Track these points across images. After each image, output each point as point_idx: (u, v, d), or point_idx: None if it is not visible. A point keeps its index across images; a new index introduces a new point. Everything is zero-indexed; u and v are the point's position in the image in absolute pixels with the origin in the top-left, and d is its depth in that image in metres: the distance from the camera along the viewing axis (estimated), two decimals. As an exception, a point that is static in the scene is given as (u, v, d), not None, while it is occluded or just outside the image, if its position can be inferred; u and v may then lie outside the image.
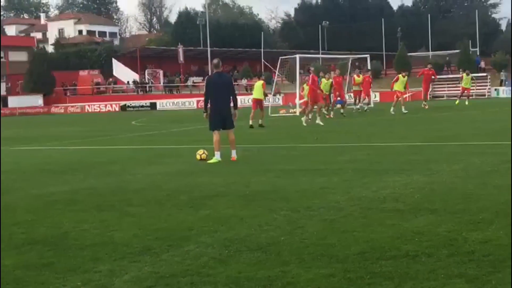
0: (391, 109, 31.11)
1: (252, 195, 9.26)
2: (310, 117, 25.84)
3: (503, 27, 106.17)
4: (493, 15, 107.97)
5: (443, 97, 56.36)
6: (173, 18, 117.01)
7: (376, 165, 12.10)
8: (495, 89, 57.50)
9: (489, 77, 58.86)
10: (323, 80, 29.26)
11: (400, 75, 32.22)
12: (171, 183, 10.95)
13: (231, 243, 6.46)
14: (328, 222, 7.24)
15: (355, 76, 35.51)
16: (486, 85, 57.48)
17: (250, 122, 25.12)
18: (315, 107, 26.07)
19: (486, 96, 55.64)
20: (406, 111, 30.33)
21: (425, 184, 9.52)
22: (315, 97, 25.75)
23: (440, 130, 20.32)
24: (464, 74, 39.32)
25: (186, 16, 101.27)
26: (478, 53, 77.51)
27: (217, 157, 13.77)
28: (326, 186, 9.77)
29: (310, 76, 26.45)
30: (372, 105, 40.16)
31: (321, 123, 24.64)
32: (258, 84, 27.22)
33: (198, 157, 14.06)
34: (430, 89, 45.42)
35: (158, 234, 7.01)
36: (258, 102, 26.38)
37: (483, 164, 11.45)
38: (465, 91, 39.41)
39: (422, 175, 10.41)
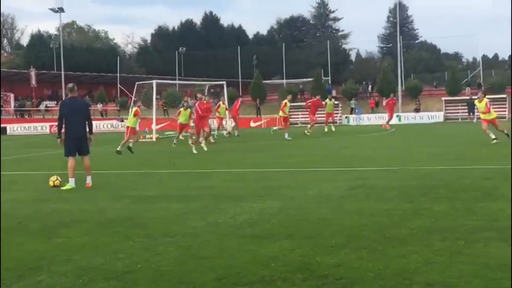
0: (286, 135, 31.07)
1: (108, 222, 9.08)
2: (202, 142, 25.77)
3: (353, 57, 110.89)
4: (344, 46, 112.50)
5: (297, 124, 57.86)
6: (25, 41, 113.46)
7: (233, 190, 12.22)
8: (346, 117, 59.76)
9: (340, 105, 61.11)
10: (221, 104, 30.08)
11: (286, 101, 32.78)
12: (22, 210, 10.55)
13: (85, 272, 6.29)
14: (185, 249, 7.22)
15: (221, 103, 36.19)
16: (338, 113, 59.62)
17: (130, 145, 24.65)
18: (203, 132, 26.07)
19: (338, 124, 57.69)
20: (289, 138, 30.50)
21: (281, 210, 9.71)
22: (202, 123, 25.77)
23: (293, 156, 20.83)
24: (327, 99, 40.03)
25: (39, 39, 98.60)
26: (329, 82, 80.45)
27: (71, 183, 13.43)
28: (183, 212, 9.75)
29: (197, 104, 26.26)
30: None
31: (205, 148, 24.62)
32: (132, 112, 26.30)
33: (51, 183, 13.65)
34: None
35: (9, 264, 6.72)
36: (131, 130, 25.65)
37: (335, 189, 11.83)
38: (330, 117, 40.26)
39: (278, 201, 10.61)
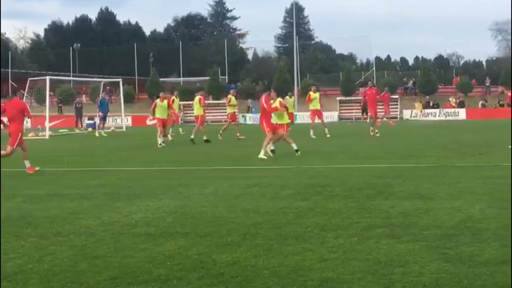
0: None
1: (-3, 222, 8.76)
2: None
3: (250, 57, 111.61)
4: (241, 45, 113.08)
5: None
6: None
7: (128, 189, 12.05)
8: (243, 116, 60.09)
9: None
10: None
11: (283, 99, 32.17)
12: None
13: (-28, 274, 6.04)
14: (78, 248, 7.06)
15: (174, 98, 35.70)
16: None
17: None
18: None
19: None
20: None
21: (177, 208, 9.65)
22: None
23: (191, 154, 20.76)
24: (287, 97, 38.61)
25: None
26: (227, 81, 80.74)
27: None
28: (76, 211, 9.53)
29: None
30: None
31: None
32: None
33: None
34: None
35: None
36: None
37: (231, 188, 11.87)
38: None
39: (174, 199, 10.54)
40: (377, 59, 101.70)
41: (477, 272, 5.65)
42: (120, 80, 45.81)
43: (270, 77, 78.89)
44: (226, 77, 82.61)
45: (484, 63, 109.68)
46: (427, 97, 64.70)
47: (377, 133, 28.25)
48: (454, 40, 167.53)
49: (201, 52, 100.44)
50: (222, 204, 9.94)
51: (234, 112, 30.17)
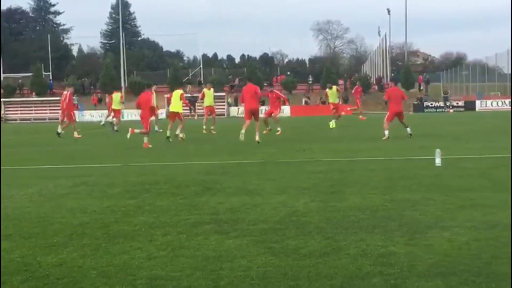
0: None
1: None
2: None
3: (75, 53, 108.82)
4: (65, 40, 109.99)
5: (16, 120, 55.41)
6: None
7: None
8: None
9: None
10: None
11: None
12: None
13: None
14: None
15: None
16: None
17: None
18: None
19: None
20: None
21: (-2, 210, 9.22)
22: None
23: (14, 154, 19.93)
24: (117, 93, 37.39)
25: None
26: (51, 77, 78.20)
27: None
28: None
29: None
30: None
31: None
32: None
33: None
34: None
35: None
36: None
37: (56, 187, 11.51)
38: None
39: (-5, 200, 10.06)
40: (204, 56, 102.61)
41: (301, 264, 5.85)
42: None
43: (97, 73, 77.36)
44: (50, 73, 79.99)
45: (307, 61, 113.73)
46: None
47: (212, 130, 28.71)
48: (278, 39, 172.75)
49: (23, 48, 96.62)
50: (47, 204, 9.62)
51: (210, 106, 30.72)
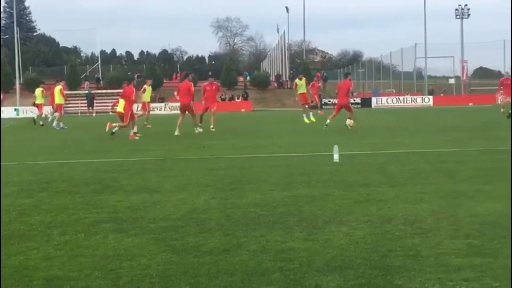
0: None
1: None
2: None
3: None
4: None
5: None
6: None
7: None
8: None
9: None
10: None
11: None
12: None
13: None
14: None
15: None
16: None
17: None
18: None
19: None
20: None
21: None
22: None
23: None
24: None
25: None
26: None
27: None
28: None
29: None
30: None
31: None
32: None
33: None
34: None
35: None
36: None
37: None
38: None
39: None
40: (103, 52, 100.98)
41: (202, 261, 5.85)
42: None
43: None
44: None
45: (206, 58, 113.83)
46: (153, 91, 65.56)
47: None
48: (178, 36, 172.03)
49: None
50: None
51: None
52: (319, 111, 40.16)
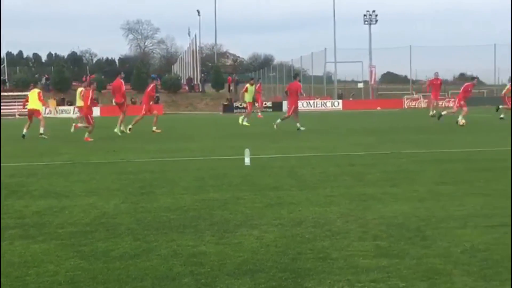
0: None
1: None
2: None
3: None
4: None
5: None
6: None
7: None
8: None
9: None
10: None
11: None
12: None
13: None
14: None
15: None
16: None
17: None
18: None
19: None
20: None
21: None
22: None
23: None
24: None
25: None
26: None
27: None
28: None
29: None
30: None
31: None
32: None
33: None
34: None
35: None
36: None
37: None
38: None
39: None
40: (9, 54, 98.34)
41: (111, 267, 5.76)
42: None
43: None
44: None
45: (117, 60, 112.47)
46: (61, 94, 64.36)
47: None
48: (88, 38, 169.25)
49: None
50: None
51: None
52: (258, 114, 40.41)
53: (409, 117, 40.09)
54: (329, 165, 13.32)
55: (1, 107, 61.71)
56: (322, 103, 66.75)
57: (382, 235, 6.77)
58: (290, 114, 26.76)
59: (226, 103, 69.25)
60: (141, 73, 77.59)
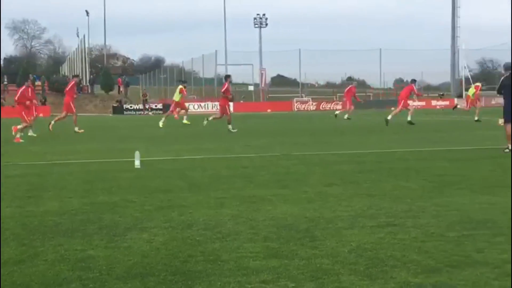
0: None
1: None
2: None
3: None
4: None
5: None
6: None
7: None
8: None
9: None
10: None
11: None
12: None
13: None
14: None
15: None
16: None
17: None
18: None
19: None
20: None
21: None
22: None
23: None
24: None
25: None
26: None
27: None
28: None
29: None
30: None
31: None
32: None
33: None
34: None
35: None
36: None
37: None
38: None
39: None
40: None
41: (-4, 273, 5.55)
42: None
43: None
44: None
45: (1, 61, 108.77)
46: None
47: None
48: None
49: None
50: None
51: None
52: (175, 115, 40.11)
53: (299, 120, 40.80)
54: (221, 167, 13.36)
55: None
56: (213, 105, 66.83)
57: (272, 236, 6.83)
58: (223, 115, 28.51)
59: (116, 104, 68.23)
60: (28, 73, 75.26)
